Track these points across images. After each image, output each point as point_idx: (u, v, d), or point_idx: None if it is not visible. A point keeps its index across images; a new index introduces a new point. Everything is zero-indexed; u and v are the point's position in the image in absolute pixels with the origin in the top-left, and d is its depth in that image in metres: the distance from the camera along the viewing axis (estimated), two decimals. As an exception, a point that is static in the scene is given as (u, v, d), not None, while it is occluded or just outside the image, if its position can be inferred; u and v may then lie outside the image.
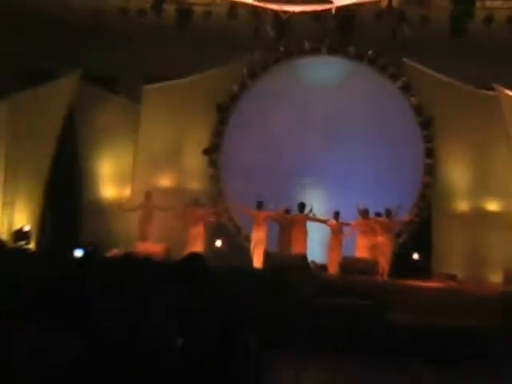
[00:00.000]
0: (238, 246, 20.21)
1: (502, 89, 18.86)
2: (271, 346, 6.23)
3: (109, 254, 18.43)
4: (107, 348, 4.63)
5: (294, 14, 16.86)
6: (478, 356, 13.70)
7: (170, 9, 18.25)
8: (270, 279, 16.23)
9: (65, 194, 21.13)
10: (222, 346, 5.13)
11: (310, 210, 19.08)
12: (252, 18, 18.10)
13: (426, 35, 18.05)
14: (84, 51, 20.91)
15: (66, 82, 20.66)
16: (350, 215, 18.97)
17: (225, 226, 20.64)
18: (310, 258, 18.51)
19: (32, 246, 19.99)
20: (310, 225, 19.25)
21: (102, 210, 21.39)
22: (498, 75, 18.87)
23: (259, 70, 21.26)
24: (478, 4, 17.11)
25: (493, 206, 19.52)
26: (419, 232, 19.82)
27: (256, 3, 16.42)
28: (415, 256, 19.24)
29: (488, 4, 17.59)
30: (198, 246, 18.86)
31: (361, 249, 18.90)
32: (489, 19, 17.51)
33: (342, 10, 17.29)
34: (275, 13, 17.33)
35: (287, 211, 19.29)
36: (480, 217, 19.48)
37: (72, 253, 16.24)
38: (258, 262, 18.89)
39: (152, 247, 18.47)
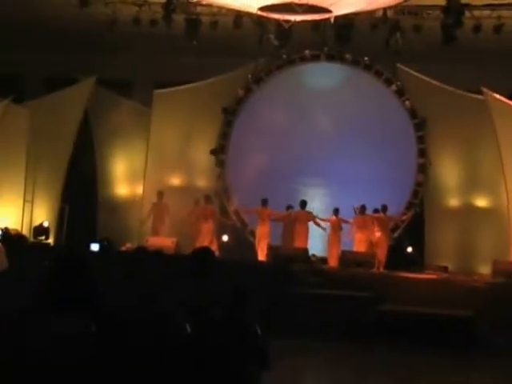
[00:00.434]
0: (244, 241, 20.24)
1: (489, 92, 18.92)
2: (273, 332, 6.28)
3: (123, 248, 18.53)
4: (119, 335, 4.68)
5: (295, 23, 16.88)
6: (467, 344, 13.74)
7: (179, 19, 18.28)
8: (273, 270, 16.31)
9: (81, 192, 21.22)
10: (227, 330, 5.18)
11: (314, 216, 19.06)
12: (256, 28, 18.13)
13: (419, 43, 18.09)
14: (99, 58, 21.01)
15: (82, 88, 20.81)
16: (349, 212, 18.98)
17: (232, 221, 20.67)
18: (311, 252, 18.56)
19: (51, 240, 20.07)
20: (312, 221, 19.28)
21: (115, 206, 21.48)
22: (485, 80, 18.90)
23: (263, 75, 21.29)
24: (467, 14, 17.14)
25: (482, 201, 19.57)
26: (413, 227, 19.84)
27: (260, 13, 16.44)
28: (409, 249, 19.28)
29: (476, 14, 17.62)
30: (207, 241, 18.90)
31: (359, 243, 18.94)
32: (477, 28, 17.56)
33: (340, 19, 17.33)
34: (278, 22, 17.35)
35: (289, 207, 19.30)
36: (470, 212, 19.55)
37: (88, 247, 16.33)
38: (262, 255, 18.94)
39: (163, 241, 18.51)
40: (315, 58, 20.95)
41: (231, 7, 17.34)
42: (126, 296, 5.40)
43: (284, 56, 20.74)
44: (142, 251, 6.72)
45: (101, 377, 4.39)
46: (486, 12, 17.72)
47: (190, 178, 21.34)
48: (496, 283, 16.19)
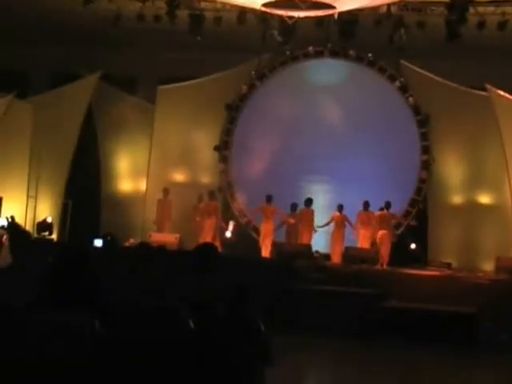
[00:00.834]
0: (247, 237, 20.22)
1: (493, 89, 18.87)
2: (277, 328, 6.26)
3: (126, 244, 18.53)
4: (122, 330, 4.67)
5: (299, 19, 16.86)
6: (470, 341, 13.72)
7: (183, 15, 18.29)
8: (276, 266, 16.30)
9: (84, 188, 21.23)
10: (230, 326, 5.17)
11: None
12: (260, 24, 18.10)
13: (423, 39, 18.05)
14: (103, 54, 21.00)
15: (86, 83, 20.79)
16: (353, 209, 18.95)
17: (236, 218, 20.67)
18: (314, 248, 18.55)
19: (54, 236, 20.09)
20: (317, 218, 19.22)
21: (119, 202, 21.49)
22: (489, 76, 18.85)
23: (267, 71, 21.28)
24: (471, 10, 17.11)
25: (485, 198, 19.54)
26: (416, 223, 19.82)
27: (263, 9, 16.42)
28: (413, 246, 19.26)
29: (480, 10, 17.58)
30: (209, 237, 18.88)
31: (363, 239, 18.92)
32: (481, 24, 17.51)
33: (343, 15, 17.30)
34: (281, 18, 17.33)
35: (294, 206, 19.25)
36: (473, 209, 19.52)
37: (91, 242, 16.32)
38: (266, 252, 18.90)
39: (166, 237, 18.50)
40: (319, 54, 20.94)
41: (235, 3, 17.34)
42: (129, 291, 5.39)
43: (287, 52, 20.71)
44: (145, 247, 6.71)
45: (103, 372, 4.38)
46: (491, 8, 17.69)
47: (194, 174, 21.34)
48: (499, 280, 16.16)
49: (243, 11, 18.17)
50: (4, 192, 19.62)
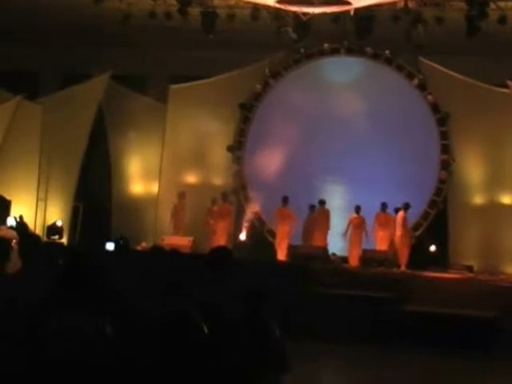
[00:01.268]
0: (262, 240, 20.21)
1: (515, 86, 18.80)
2: (293, 333, 6.28)
3: (138, 248, 18.60)
4: (135, 335, 4.70)
5: (314, 15, 16.86)
6: (492, 346, 13.68)
7: (195, 12, 18.32)
8: (292, 270, 16.30)
9: (95, 190, 21.31)
10: (244, 331, 5.19)
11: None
12: (274, 20, 18.12)
13: (442, 35, 18.00)
14: (114, 53, 21.06)
15: (96, 83, 20.87)
16: (371, 210, 18.94)
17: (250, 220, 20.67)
18: (331, 251, 18.56)
19: (64, 240, 20.15)
20: (334, 220, 19.24)
21: (130, 205, 21.53)
22: (511, 73, 18.78)
23: (281, 70, 21.29)
24: (491, 4, 17.06)
25: (507, 198, 19.44)
26: (436, 225, 19.77)
27: (277, 6, 16.44)
28: (432, 248, 19.21)
29: (501, 4, 17.53)
30: (223, 240, 18.91)
31: (381, 241, 18.90)
32: (502, 19, 17.43)
33: (360, 11, 17.28)
34: (296, 15, 17.34)
35: (312, 207, 19.24)
36: (495, 209, 19.42)
37: (103, 246, 16.41)
38: (282, 255, 18.90)
39: (179, 240, 18.57)
40: (334, 51, 20.92)
41: (248, 0, 17.35)
42: (141, 295, 5.42)
43: (302, 50, 20.73)
44: (158, 250, 6.75)
45: (113, 376, 4.41)
46: (512, 3, 17.64)
47: (207, 175, 21.36)
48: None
49: (257, 8, 18.19)
50: (13, 195, 19.67)
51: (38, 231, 19.48)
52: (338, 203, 19.70)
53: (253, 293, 5.49)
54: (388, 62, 20.57)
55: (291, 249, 18.54)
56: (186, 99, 21.00)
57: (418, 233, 19.66)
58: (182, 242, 18.41)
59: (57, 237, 19.89)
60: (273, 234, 19.97)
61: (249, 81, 21.03)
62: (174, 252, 6.88)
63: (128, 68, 21.38)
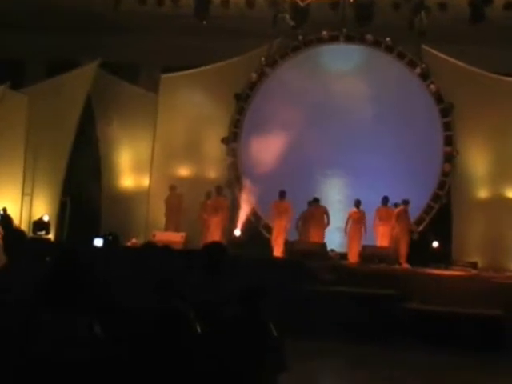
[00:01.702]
0: (257, 235, 20.19)
1: (521, 75, 18.82)
2: (290, 331, 6.26)
3: (128, 244, 18.58)
4: (125, 333, 4.69)
5: (312, 1, 16.85)
6: (496, 344, 13.70)
7: (187, -3, 18.30)
8: (288, 266, 16.30)
9: (84, 184, 21.25)
10: (242, 327, 5.19)
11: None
12: (270, 7, 18.11)
13: (445, 22, 18.00)
14: (103, 41, 21.03)
15: (84, 72, 20.80)
16: (371, 204, 18.94)
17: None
18: (329, 247, 18.57)
19: (51, 236, 20.12)
20: (332, 215, 19.24)
21: (120, 199, 21.51)
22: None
23: (278, 58, 21.25)
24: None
25: (513, 193, 19.49)
26: (439, 220, 19.77)
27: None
28: (435, 244, 19.22)
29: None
30: (217, 235, 18.89)
31: (381, 237, 18.91)
32: (508, 5, 17.44)
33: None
34: (293, 1, 17.33)
35: (314, 201, 19.21)
36: (500, 204, 19.43)
37: (91, 242, 16.37)
38: (278, 251, 18.89)
39: (171, 236, 18.56)
40: (334, 39, 20.88)
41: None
42: (132, 293, 5.41)
43: (300, 37, 20.69)
44: (150, 247, 6.74)
45: (102, 375, 4.42)
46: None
47: (200, 168, 21.34)
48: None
49: (252, -6, 18.19)
50: (-3, 189, 19.69)
51: (24, 227, 19.46)
52: (336, 197, 19.70)
53: (249, 290, 5.49)
54: (389, 49, 20.54)
55: (288, 245, 18.54)
56: (178, 89, 20.97)
57: (420, 228, 19.66)
58: (174, 237, 18.40)
59: (43, 232, 19.88)
60: (269, 229, 19.95)
61: (244, 70, 21.00)
62: (167, 248, 6.87)
63: (118, 56, 21.33)
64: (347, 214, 19.15)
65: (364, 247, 18.52)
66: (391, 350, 13.29)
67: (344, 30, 20.41)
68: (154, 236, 18.52)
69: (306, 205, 19.25)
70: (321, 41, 21.00)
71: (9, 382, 4.35)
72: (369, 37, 20.41)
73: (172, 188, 20.23)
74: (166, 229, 19.93)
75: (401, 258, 18.35)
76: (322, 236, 19.07)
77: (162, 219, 20.19)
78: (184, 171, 21.34)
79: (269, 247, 19.19)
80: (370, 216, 19.04)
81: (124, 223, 20.17)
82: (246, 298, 5.42)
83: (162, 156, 21.00)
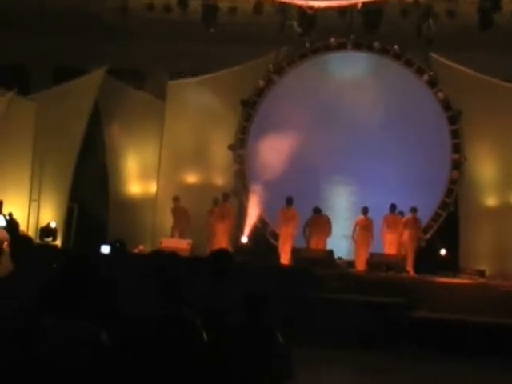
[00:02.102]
0: (264, 242, 20.18)
1: (530, 82, 18.81)
2: (297, 339, 6.29)
3: (135, 250, 18.60)
4: (131, 340, 4.71)
5: (319, 9, 16.87)
6: (505, 354, 13.67)
7: (195, 5, 18.34)
8: (295, 274, 16.29)
9: (91, 190, 21.28)
10: (248, 334, 5.21)
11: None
12: (278, 14, 18.13)
13: (454, 29, 18.00)
14: (110, 47, 21.07)
15: (92, 78, 20.84)
16: (378, 211, 18.93)
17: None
18: (336, 255, 18.56)
19: (58, 242, 20.16)
20: (339, 222, 19.24)
21: (127, 206, 21.52)
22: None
23: (285, 65, 21.28)
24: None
25: (521, 200, 19.46)
26: (447, 227, 19.75)
27: (281, -2, 16.48)
28: (443, 252, 19.21)
29: (516, -4, 17.53)
30: (223, 242, 18.89)
31: (389, 245, 18.90)
32: (517, 12, 17.45)
33: (368, 5, 17.29)
34: (301, 8, 17.35)
35: (316, 210, 19.20)
36: (508, 211, 19.38)
37: (98, 249, 16.36)
38: (285, 258, 18.87)
39: (178, 243, 18.56)
40: (341, 46, 20.90)
41: (251, -8, 17.40)
42: (140, 300, 5.43)
43: (307, 44, 20.72)
44: (158, 254, 6.77)
45: (109, 382, 4.43)
46: (527, -6, 17.63)
47: (207, 175, 21.36)
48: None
49: (260, 1, 18.22)
50: (5, 195, 19.64)
51: (31, 233, 19.50)
52: (343, 204, 19.70)
53: (256, 298, 5.50)
54: (397, 57, 20.55)
55: (295, 252, 18.53)
56: (185, 95, 21.01)
57: (428, 236, 19.65)
58: (181, 244, 18.40)
59: (50, 239, 19.91)
60: (276, 236, 19.95)
61: (251, 77, 21.02)
62: (174, 255, 6.89)
63: (125, 62, 21.39)
64: (354, 222, 19.16)
65: (371, 255, 18.52)
66: (398, 358, 13.27)
67: (352, 37, 20.44)
68: (161, 243, 18.54)
69: (311, 212, 19.26)
70: (328, 48, 21.03)
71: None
72: (376, 44, 20.43)
73: (175, 199, 20.17)
74: (173, 235, 19.92)
75: (408, 266, 18.36)
76: (324, 245, 19.08)
77: (168, 226, 20.20)
78: (191, 178, 21.36)
79: (276, 254, 19.18)
80: (378, 223, 19.04)
81: (131, 230, 20.20)
82: (252, 305, 5.44)
83: (169, 162, 21.02)
